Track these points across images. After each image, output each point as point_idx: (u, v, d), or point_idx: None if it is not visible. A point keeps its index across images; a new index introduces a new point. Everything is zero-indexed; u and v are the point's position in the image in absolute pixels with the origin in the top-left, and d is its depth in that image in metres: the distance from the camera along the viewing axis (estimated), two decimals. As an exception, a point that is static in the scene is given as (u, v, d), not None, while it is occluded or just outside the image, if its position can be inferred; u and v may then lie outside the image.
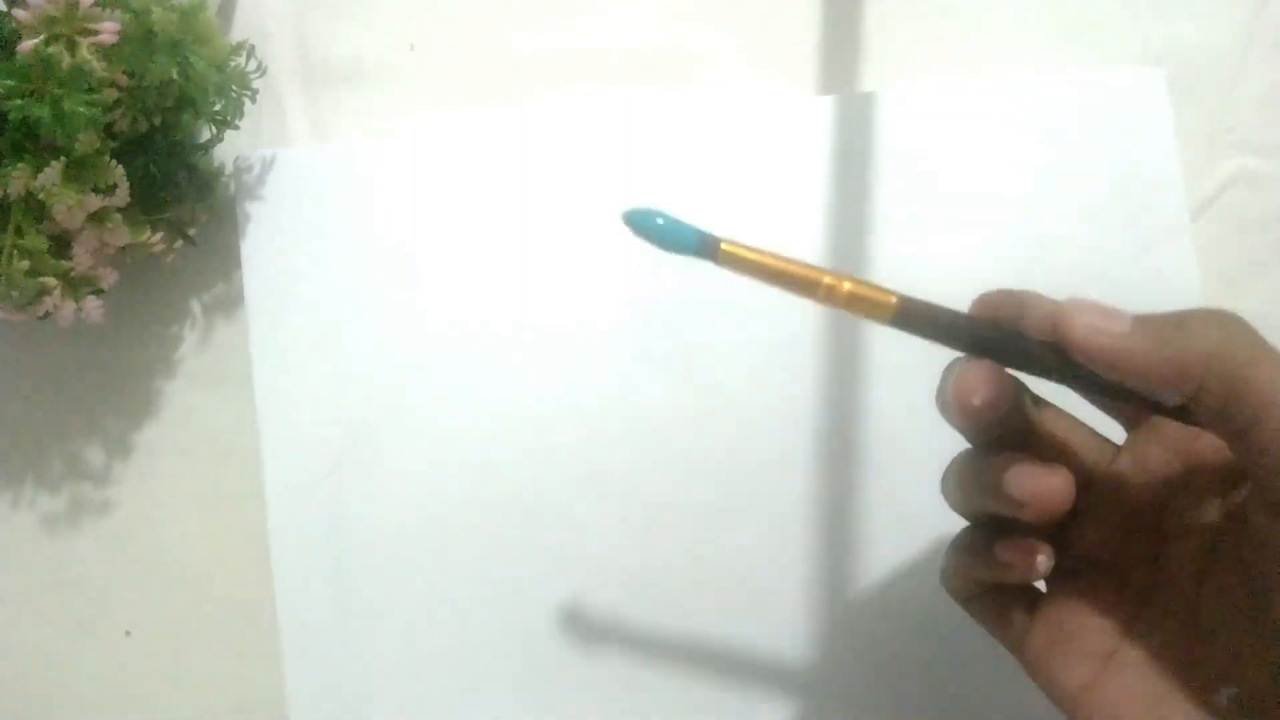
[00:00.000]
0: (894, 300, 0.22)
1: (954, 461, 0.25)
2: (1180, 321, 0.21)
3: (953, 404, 0.23)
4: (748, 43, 0.38)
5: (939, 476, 0.26)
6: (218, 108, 0.35)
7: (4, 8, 0.32)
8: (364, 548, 0.35)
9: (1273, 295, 0.35)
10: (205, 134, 0.36)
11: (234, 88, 0.34)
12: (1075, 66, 0.37)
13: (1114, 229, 0.35)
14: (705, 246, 0.22)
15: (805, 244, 0.35)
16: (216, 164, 0.37)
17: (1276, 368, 0.20)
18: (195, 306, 0.37)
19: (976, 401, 0.22)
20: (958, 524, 0.26)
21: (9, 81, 0.30)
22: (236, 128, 0.35)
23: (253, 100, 0.35)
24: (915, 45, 0.37)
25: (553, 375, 0.35)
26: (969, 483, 0.25)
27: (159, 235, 0.34)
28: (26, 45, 0.30)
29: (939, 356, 0.23)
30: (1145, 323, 0.21)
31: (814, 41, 0.37)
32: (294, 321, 0.36)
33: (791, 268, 0.22)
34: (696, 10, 0.38)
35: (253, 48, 0.35)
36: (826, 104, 0.36)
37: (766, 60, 0.38)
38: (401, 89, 0.38)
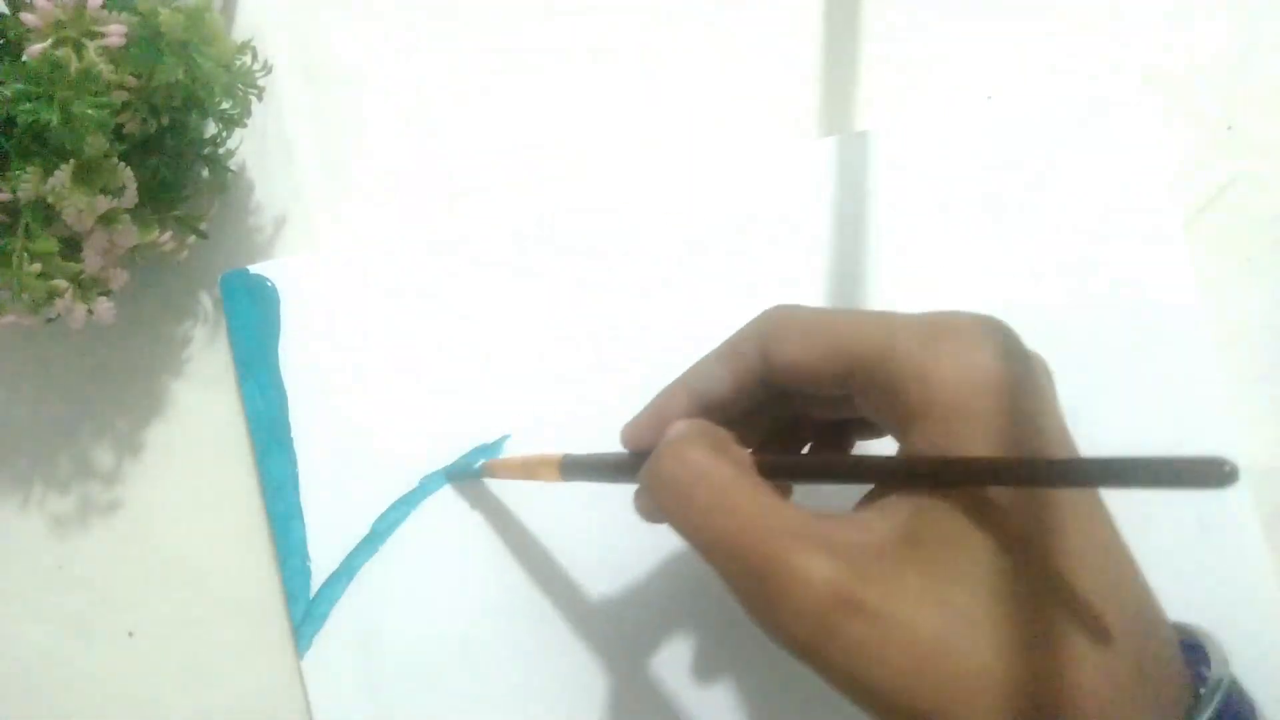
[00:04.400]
0: (558, 458, 0.30)
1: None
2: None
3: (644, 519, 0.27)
4: (748, 92, 0.38)
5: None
6: (225, 106, 0.34)
7: (6, 11, 0.32)
8: (395, 656, 0.35)
9: (1272, 296, 0.35)
10: (213, 131, 0.36)
11: (240, 86, 0.34)
12: (1071, 90, 0.37)
13: (1109, 245, 0.35)
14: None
15: (810, 280, 0.36)
16: (223, 151, 0.37)
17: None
18: (206, 302, 0.37)
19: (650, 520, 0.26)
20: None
21: (18, 85, 0.30)
22: (244, 125, 0.36)
23: (259, 98, 0.35)
24: (910, 86, 0.37)
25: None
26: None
27: (168, 234, 0.34)
28: (35, 49, 0.30)
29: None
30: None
31: (813, 88, 0.38)
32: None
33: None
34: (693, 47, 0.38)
35: (255, 49, 0.35)
36: (828, 146, 0.37)
37: (766, 108, 0.38)
38: (401, 89, 0.38)
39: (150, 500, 0.37)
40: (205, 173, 0.37)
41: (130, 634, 0.36)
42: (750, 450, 0.25)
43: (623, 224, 0.37)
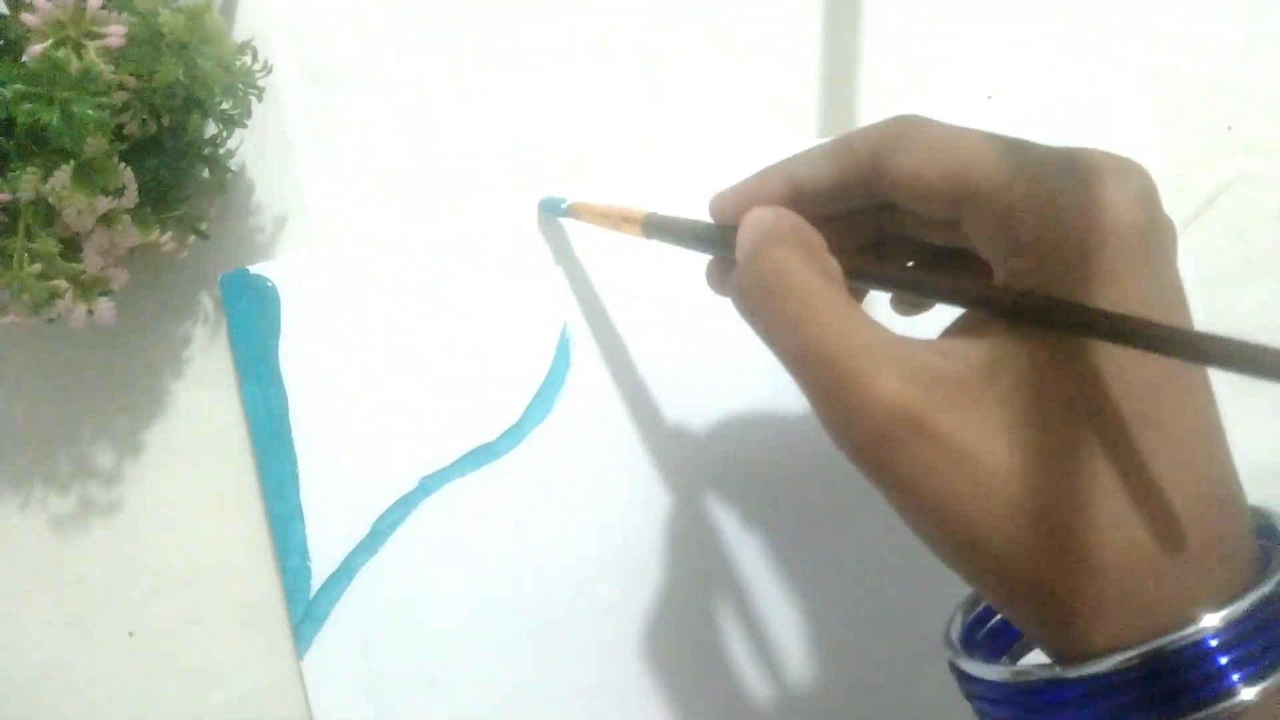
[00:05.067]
0: (643, 215, 0.30)
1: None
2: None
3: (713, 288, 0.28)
4: (748, 92, 0.38)
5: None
6: (225, 106, 0.34)
7: (6, 11, 0.32)
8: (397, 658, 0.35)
9: (1272, 296, 0.35)
10: (213, 131, 0.36)
11: (241, 86, 0.34)
12: (1071, 90, 0.37)
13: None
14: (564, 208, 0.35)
15: None
16: (223, 151, 0.37)
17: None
18: (206, 302, 0.37)
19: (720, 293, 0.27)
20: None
21: (18, 86, 0.30)
22: (244, 125, 0.35)
23: (259, 98, 0.35)
24: (910, 86, 0.37)
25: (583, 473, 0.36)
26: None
27: (168, 235, 0.34)
28: (35, 49, 0.29)
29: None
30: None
31: (813, 88, 0.38)
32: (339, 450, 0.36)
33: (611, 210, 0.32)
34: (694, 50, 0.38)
35: (255, 49, 0.35)
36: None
37: (766, 108, 0.38)
38: (401, 89, 0.38)
39: (150, 500, 0.37)
40: (205, 173, 0.37)
41: (130, 634, 0.36)
42: (840, 255, 0.24)
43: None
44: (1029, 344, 0.20)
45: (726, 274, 0.27)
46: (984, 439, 0.19)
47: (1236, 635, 0.19)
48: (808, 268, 0.22)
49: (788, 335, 0.21)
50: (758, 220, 0.24)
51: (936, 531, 0.20)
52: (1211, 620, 0.19)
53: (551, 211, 0.36)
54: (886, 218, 0.26)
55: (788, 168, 0.25)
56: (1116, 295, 0.20)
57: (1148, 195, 0.21)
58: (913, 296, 0.25)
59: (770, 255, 0.22)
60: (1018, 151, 0.22)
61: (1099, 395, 0.20)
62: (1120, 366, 0.20)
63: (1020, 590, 0.19)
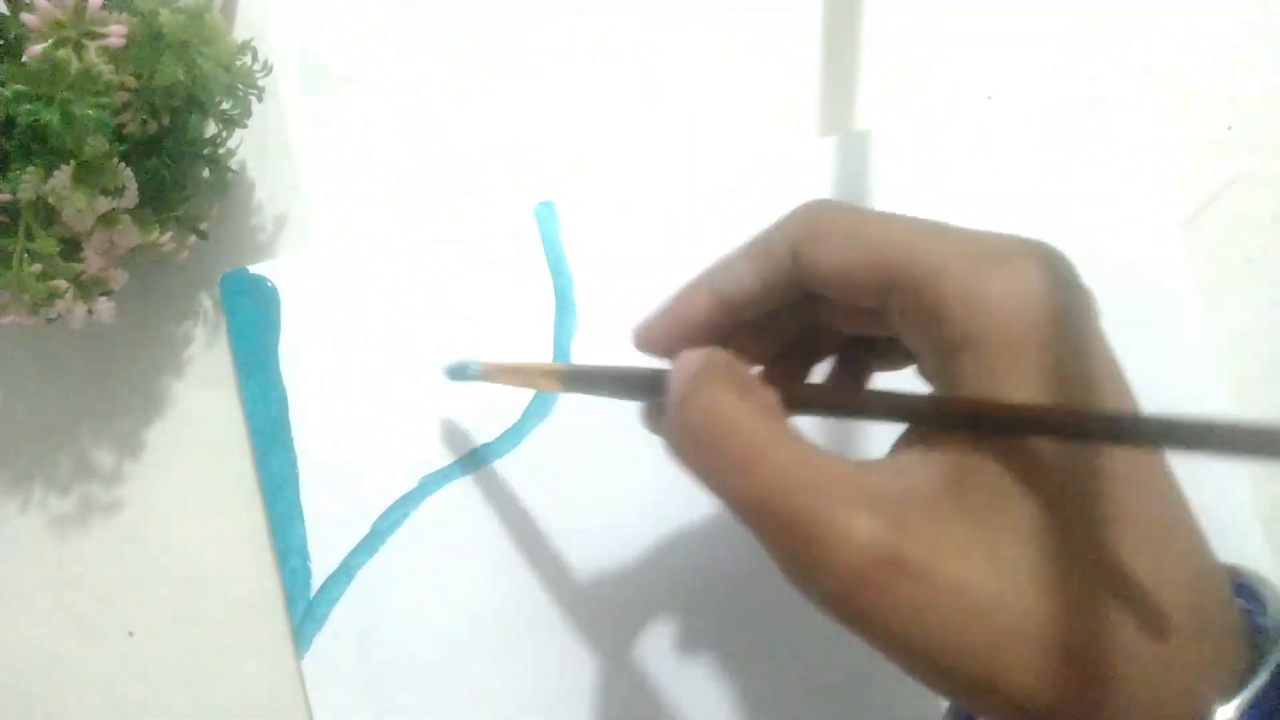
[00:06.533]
0: (559, 369, 0.30)
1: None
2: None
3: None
4: (748, 92, 0.38)
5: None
6: (225, 106, 0.34)
7: (6, 11, 0.32)
8: (394, 655, 0.35)
9: (1272, 296, 0.35)
10: (213, 131, 0.36)
11: (241, 86, 0.34)
12: (1071, 90, 0.37)
13: (1109, 245, 0.35)
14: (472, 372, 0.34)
15: None
16: (223, 151, 0.37)
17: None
18: (206, 302, 0.37)
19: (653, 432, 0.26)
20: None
21: (18, 86, 0.30)
22: (244, 125, 0.36)
23: (259, 98, 0.35)
24: (910, 86, 0.37)
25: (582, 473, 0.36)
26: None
27: (168, 235, 0.35)
28: (35, 49, 0.29)
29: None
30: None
31: (813, 88, 0.38)
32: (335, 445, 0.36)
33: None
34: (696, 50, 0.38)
35: (255, 49, 0.35)
36: (828, 146, 0.37)
37: (766, 108, 0.38)
38: (401, 89, 0.38)
39: (150, 500, 0.37)
40: (205, 173, 0.37)
41: (130, 634, 0.36)
42: (767, 374, 0.23)
43: (622, 224, 0.37)
44: (986, 448, 0.19)
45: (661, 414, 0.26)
46: (965, 563, 0.18)
47: (1258, 717, 0.18)
48: (743, 405, 0.21)
49: (733, 483, 0.20)
50: (687, 364, 0.22)
51: (938, 675, 0.18)
52: (1226, 713, 0.18)
53: (459, 376, 0.34)
54: (813, 310, 0.25)
55: (710, 281, 0.25)
56: (1052, 386, 0.19)
57: (1065, 278, 0.20)
58: (859, 419, 0.23)
59: (704, 401, 0.21)
60: (936, 239, 0.21)
61: (1067, 498, 0.19)
62: (1081, 463, 0.19)
63: (1039, 717, 0.18)
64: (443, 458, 0.36)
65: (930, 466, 0.20)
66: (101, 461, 0.37)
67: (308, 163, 0.38)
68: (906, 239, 0.21)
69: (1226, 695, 0.18)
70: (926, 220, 0.22)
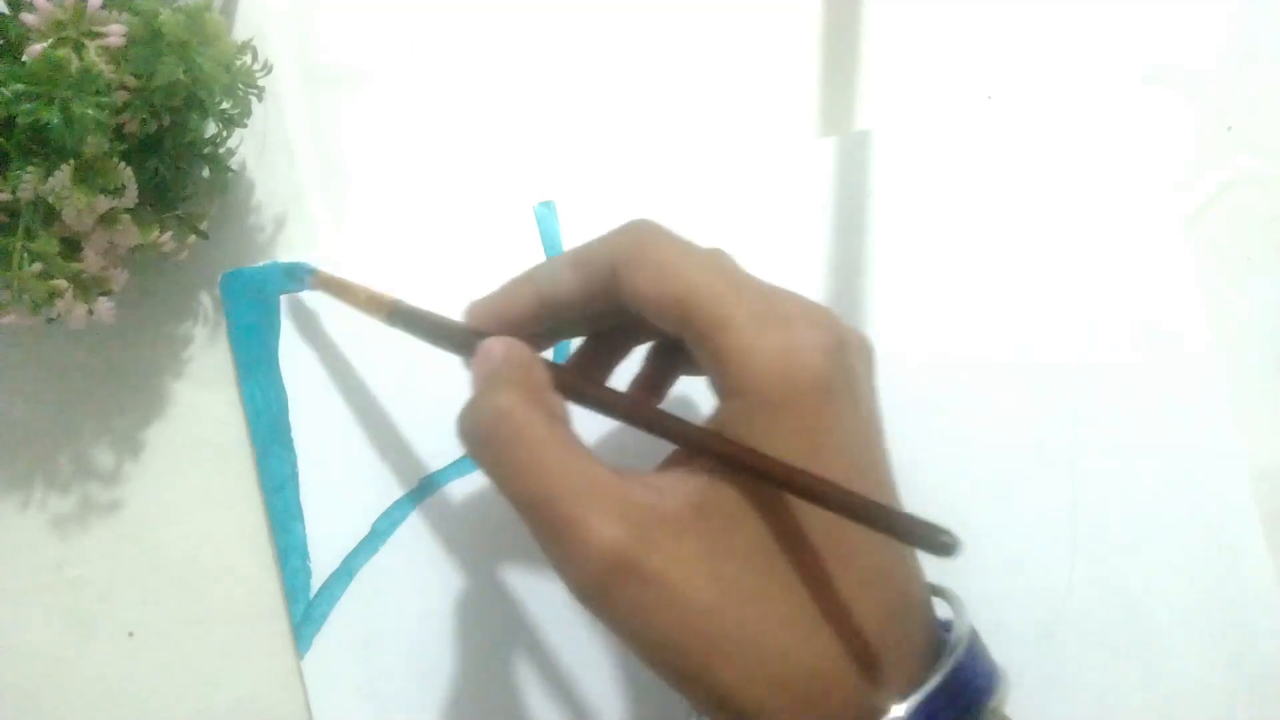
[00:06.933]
0: (390, 300, 0.30)
1: None
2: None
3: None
4: (748, 92, 0.38)
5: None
6: (225, 106, 0.34)
7: (6, 11, 0.32)
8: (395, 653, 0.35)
9: (1272, 296, 0.35)
10: (213, 131, 0.36)
11: (241, 86, 0.34)
12: (1071, 90, 0.37)
13: (1109, 244, 0.35)
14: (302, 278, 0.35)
15: (811, 279, 0.36)
16: (223, 151, 0.37)
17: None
18: (206, 302, 0.37)
19: None
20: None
21: (18, 86, 0.30)
22: (244, 125, 0.36)
23: (259, 98, 0.35)
24: (910, 86, 0.37)
25: None
26: None
27: (168, 234, 0.34)
28: (35, 49, 0.29)
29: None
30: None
31: (813, 88, 0.38)
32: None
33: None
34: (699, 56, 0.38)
35: (255, 49, 0.35)
36: (828, 146, 0.37)
37: (766, 108, 0.38)
38: (402, 89, 0.38)
39: (150, 500, 0.37)
40: (205, 173, 0.37)
41: (130, 634, 0.36)
42: (584, 351, 0.27)
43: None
44: (736, 481, 0.22)
45: None
46: (690, 576, 0.21)
47: (926, 716, 0.21)
48: (530, 412, 0.23)
49: (511, 480, 0.22)
50: (487, 354, 0.25)
51: (660, 667, 0.22)
52: (899, 710, 0.21)
53: (291, 277, 0.35)
54: (630, 314, 0.26)
55: (533, 279, 0.26)
56: (801, 448, 0.22)
57: (836, 346, 0.23)
58: (631, 425, 0.26)
59: (493, 401, 0.23)
60: (730, 294, 0.23)
61: (794, 533, 0.22)
62: (812, 506, 0.21)
63: (731, 715, 0.21)
64: (443, 458, 0.36)
65: (685, 485, 0.23)
66: (101, 461, 0.37)
67: (308, 163, 0.38)
68: (706, 290, 0.23)
69: (904, 696, 0.21)
70: (733, 271, 0.24)
